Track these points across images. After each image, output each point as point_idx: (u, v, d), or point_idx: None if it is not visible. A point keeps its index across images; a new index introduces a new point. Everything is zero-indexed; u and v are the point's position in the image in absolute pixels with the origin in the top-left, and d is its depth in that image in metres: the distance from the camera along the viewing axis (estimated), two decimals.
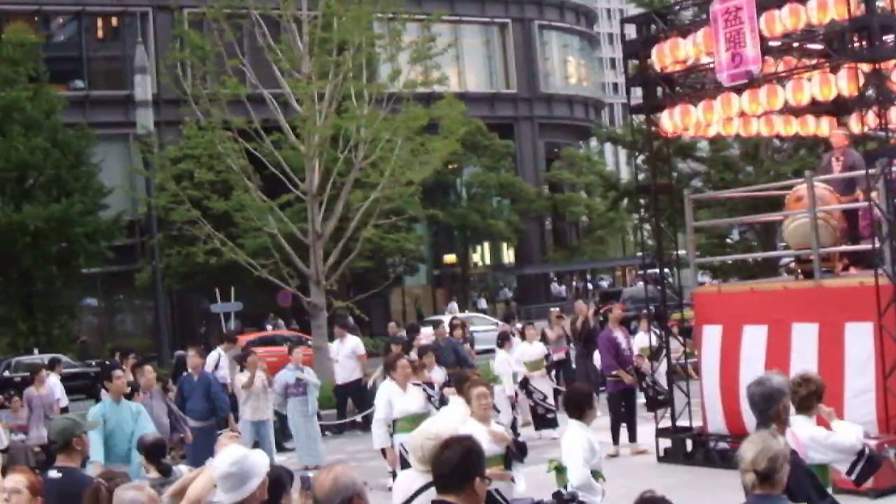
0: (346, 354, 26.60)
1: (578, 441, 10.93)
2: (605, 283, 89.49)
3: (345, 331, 27.93)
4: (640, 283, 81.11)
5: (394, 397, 15.24)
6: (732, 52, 17.71)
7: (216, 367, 25.30)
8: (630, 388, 21.60)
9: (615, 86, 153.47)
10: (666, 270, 22.03)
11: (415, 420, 15.13)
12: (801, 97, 17.59)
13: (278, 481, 7.70)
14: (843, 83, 17.00)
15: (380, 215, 33.87)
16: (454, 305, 65.24)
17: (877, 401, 16.28)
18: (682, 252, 23.49)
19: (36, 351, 45.56)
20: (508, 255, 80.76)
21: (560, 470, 10.82)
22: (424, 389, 15.89)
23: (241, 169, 31.88)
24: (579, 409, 11.04)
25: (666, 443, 19.99)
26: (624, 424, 21.44)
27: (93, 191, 51.04)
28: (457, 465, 6.52)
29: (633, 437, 21.39)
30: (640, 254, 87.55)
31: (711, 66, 18.52)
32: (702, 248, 39.48)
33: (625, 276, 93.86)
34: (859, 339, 16.69)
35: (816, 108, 20.75)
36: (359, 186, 33.83)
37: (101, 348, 56.57)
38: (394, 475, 14.35)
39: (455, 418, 13.31)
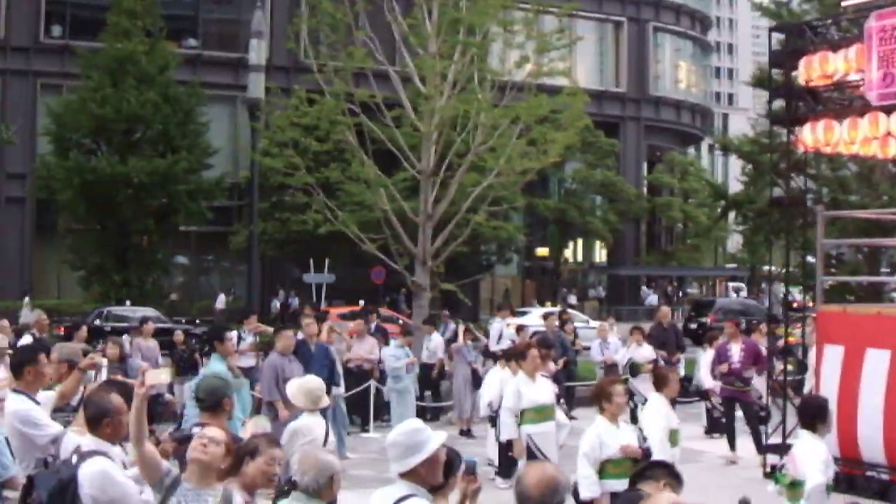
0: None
1: (816, 453, 10.84)
2: (692, 291, 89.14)
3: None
4: (733, 295, 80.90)
5: (522, 387, 15.09)
6: (885, 71, 17.41)
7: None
8: (737, 397, 21.58)
9: (718, 95, 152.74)
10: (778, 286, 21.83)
11: (542, 411, 15.08)
12: None
13: (450, 463, 7.66)
14: None
15: (490, 202, 33.87)
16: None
17: None
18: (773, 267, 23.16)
19: (128, 303, 46.00)
20: (600, 255, 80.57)
21: (795, 485, 10.66)
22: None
23: (358, 142, 31.94)
24: (813, 419, 10.99)
25: (773, 458, 19.80)
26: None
27: (199, 149, 51.46)
28: None
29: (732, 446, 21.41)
30: (730, 265, 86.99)
31: (859, 83, 18.25)
32: (807, 267, 39.10)
33: (715, 286, 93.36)
34: None
35: None
36: (472, 170, 33.77)
37: (189, 306, 57.06)
38: (506, 465, 14.18)
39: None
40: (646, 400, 24.06)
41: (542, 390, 15.32)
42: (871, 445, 17.73)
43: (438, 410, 27.02)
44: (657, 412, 13.26)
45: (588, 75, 73.73)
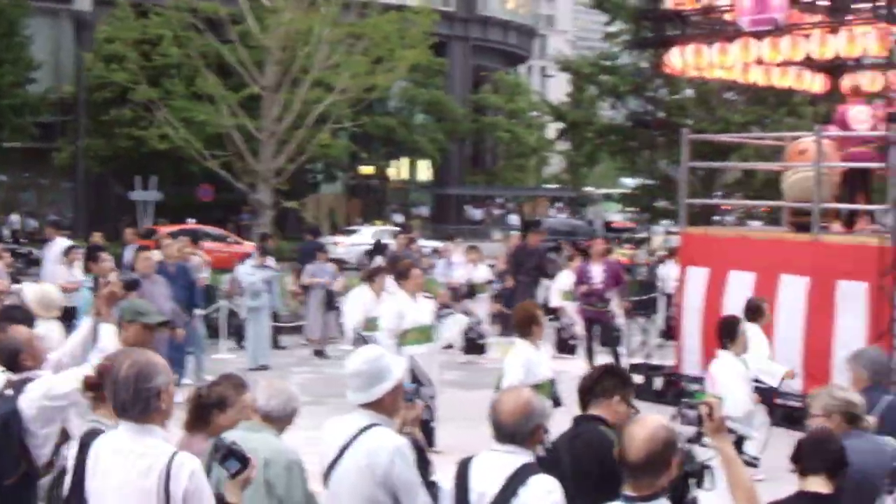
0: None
1: (736, 371, 10.95)
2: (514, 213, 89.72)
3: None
4: (560, 215, 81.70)
5: (405, 307, 14.90)
6: None
7: None
8: (598, 318, 21.66)
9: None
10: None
11: (425, 331, 14.94)
12: (824, 51, 17.47)
13: None
14: (871, 43, 16.93)
15: (320, 120, 33.45)
16: None
17: None
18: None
19: None
20: (426, 173, 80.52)
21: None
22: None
23: (202, 56, 31.26)
24: (731, 337, 11.24)
25: (637, 379, 20.00)
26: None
27: (23, 63, 49.82)
28: None
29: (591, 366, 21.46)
30: (551, 185, 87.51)
31: (727, 8, 18.39)
32: (643, 189, 39.58)
33: (535, 205, 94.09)
34: (852, 299, 16.72)
35: (811, 63, 20.66)
36: (316, 87, 33.33)
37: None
38: None
39: None
40: (480, 322, 24.22)
41: (425, 310, 15.20)
42: None
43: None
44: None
45: None
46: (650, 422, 5.69)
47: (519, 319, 11.68)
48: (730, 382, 10.92)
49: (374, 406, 6.99)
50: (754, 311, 14.11)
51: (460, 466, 6.69)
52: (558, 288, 24.36)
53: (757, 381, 13.06)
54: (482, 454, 6.60)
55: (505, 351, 11.74)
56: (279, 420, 7.30)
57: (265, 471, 6.88)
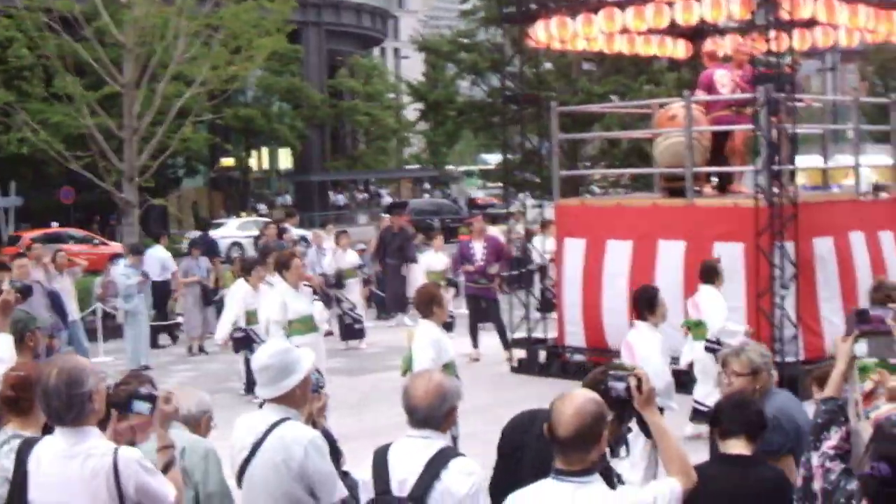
0: None
1: (654, 342, 10.93)
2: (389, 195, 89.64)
3: None
4: (426, 196, 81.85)
5: (288, 298, 14.77)
6: None
7: None
8: (482, 295, 21.64)
9: None
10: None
11: (308, 321, 14.84)
12: (689, 17, 17.64)
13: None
14: (734, 7, 17.09)
15: (181, 114, 32.85)
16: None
17: (747, 319, 16.54)
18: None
19: None
20: (286, 162, 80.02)
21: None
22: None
23: (59, 57, 30.51)
24: (650, 308, 11.31)
25: (520, 353, 20.06)
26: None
27: None
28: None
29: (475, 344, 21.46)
30: (412, 166, 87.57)
31: None
32: (511, 163, 39.58)
33: (400, 187, 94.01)
34: (728, 259, 16.92)
35: (674, 29, 20.84)
36: (176, 80, 32.76)
37: None
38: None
39: None
40: (354, 307, 24.09)
41: (306, 300, 15.11)
42: (618, 334, 18.15)
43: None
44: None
45: None
46: (578, 396, 5.61)
47: (420, 301, 11.53)
48: (648, 354, 10.88)
49: (284, 400, 6.90)
50: (710, 272, 14.42)
51: (378, 455, 6.54)
52: (424, 269, 24.30)
53: (715, 342, 13.37)
54: (399, 441, 6.47)
55: (410, 336, 11.61)
56: (189, 422, 7.15)
57: (183, 460, 6.74)
